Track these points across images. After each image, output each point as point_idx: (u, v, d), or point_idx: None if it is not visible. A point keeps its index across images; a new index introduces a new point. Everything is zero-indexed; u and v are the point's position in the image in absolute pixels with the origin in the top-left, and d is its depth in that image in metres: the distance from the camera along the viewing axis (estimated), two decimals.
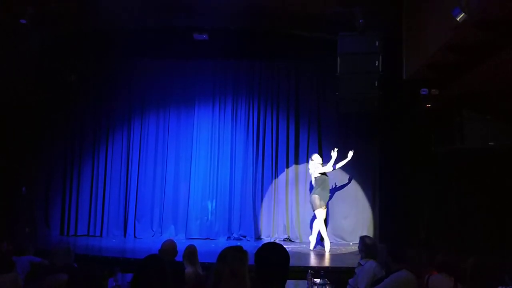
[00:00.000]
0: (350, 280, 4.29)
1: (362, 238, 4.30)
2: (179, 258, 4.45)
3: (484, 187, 7.54)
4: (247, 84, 9.07)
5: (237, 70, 9.12)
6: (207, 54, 8.65)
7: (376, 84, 6.48)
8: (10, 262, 4.35)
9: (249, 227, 8.61)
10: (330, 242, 7.69)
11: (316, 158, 7.80)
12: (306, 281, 4.19)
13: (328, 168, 7.75)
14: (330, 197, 8.38)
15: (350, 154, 7.98)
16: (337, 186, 8.66)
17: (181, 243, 4.93)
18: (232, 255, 2.53)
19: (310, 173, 7.89)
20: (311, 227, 8.01)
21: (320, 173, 7.66)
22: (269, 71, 9.09)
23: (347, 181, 8.63)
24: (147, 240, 8.44)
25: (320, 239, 7.74)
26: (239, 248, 2.67)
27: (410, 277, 3.67)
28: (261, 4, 6.95)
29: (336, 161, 7.92)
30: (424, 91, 6.75)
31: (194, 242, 5.50)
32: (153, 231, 8.74)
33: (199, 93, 9.07)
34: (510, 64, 5.55)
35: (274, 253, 2.47)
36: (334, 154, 7.89)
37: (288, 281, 2.62)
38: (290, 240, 8.50)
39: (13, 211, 8.29)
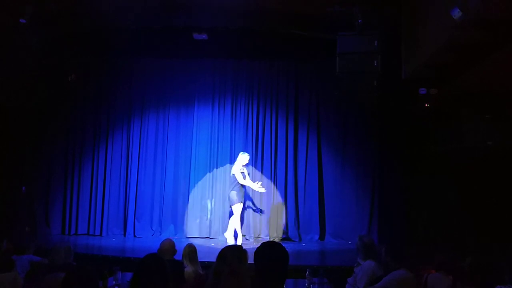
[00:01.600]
0: (349, 279, 4.30)
1: (361, 238, 4.31)
2: (178, 257, 4.46)
3: (482, 186, 7.56)
4: (247, 83, 9.07)
5: (236, 70, 9.13)
6: (207, 53, 8.66)
7: (375, 84, 6.50)
8: (10, 261, 4.36)
9: (248, 226, 8.62)
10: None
11: (244, 157, 7.81)
12: (305, 280, 4.21)
13: (240, 178, 7.65)
14: (332, 196, 8.51)
15: (262, 189, 7.94)
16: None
17: (181, 242, 4.95)
18: (232, 254, 2.54)
19: (233, 167, 7.87)
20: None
21: (241, 172, 7.72)
22: (269, 70, 9.08)
23: None
24: (146, 239, 8.44)
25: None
26: (239, 247, 2.69)
27: (409, 275, 3.69)
28: (261, 4, 6.96)
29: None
30: (422, 90, 6.79)
31: (194, 241, 5.53)
32: (152, 230, 8.75)
33: (199, 92, 9.07)
34: (508, 63, 5.57)
35: (274, 252, 2.48)
36: (255, 185, 7.89)
37: (287, 280, 2.64)
38: (289, 239, 8.51)
39: (13, 210, 8.30)
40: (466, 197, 7.71)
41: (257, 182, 7.99)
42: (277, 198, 8.75)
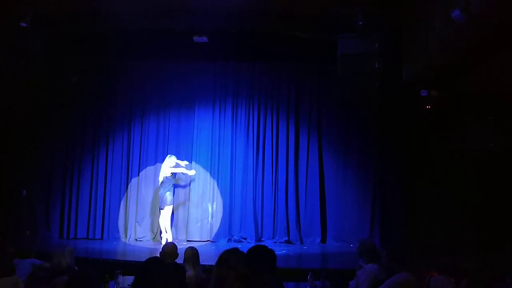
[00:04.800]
0: (351, 282, 4.28)
1: (362, 242, 4.29)
2: (179, 260, 4.44)
3: (485, 188, 7.53)
4: (247, 85, 9.06)
5: (237, 72, 9.12)
6: (207, 55, 8.65)
7: (376, 86, 6.49)
8: (11, 265, 4.33)
9: (250, 229, 8.59)
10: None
11: (173, 159, 8.29)
12: (306, 283, 4.19)
13: (178, 170, 8.34)
14: (333, 199, 8.61)
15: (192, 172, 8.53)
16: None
17: (182, 246, 4.93)
18: (235, 258, 2.54)
19: (162, 170, 8.27)
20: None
21: (171, 173, 8.21)
22: (269, 72, 9.08)
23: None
24: (148, 242, 8.42)
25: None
26: (239, 250, 2.69)
27: (411, 278, 3.67)
28: (261, 6, 6.95)
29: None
30: (424, 92, 6.77)
31: (195, 245, 5.50)
32: (153, 233, 8.73)
33: (199, 95, 9.06)
34: (510, 64, 5.56)
35: (262, 251, 2.94)
36: (183, 163, 8.48)
37: (289, 283, 2.70)
38: (291, 242, 8.48)
39: (14, 214, 8.28)
40: (468, 199, 7.68)
41: (186, 162, 8.57)
42: (279, 200, 8.72)
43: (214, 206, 8.78)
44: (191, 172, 8.56)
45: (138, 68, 9.04)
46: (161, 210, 8.14)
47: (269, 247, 3.04)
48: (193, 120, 9.03)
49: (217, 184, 8.82)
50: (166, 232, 8.05)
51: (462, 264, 3.76)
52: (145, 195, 8.83)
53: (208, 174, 8.85)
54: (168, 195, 8.08)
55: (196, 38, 7.62)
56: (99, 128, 9.04)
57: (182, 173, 8.53)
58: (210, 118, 9.00)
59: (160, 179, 8.21)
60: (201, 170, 8.85)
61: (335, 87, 6.88)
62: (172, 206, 8.15)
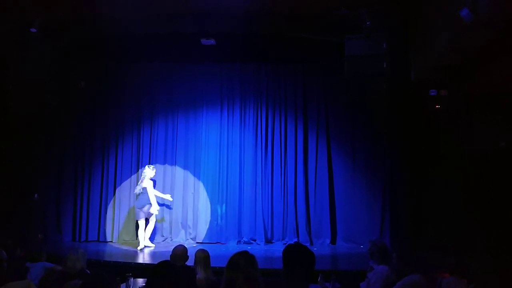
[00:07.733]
0: (361, 284, 4.27)
1: (374, 243, 4.29)
2: (190, 262, 4.45)
3: (495, 189, 7.46)
4: (255, 87, 9.08)
5: (244, 73, 9.13)
6: (215, 58, 8.68)
7: (384, 86, 6.46)
8: (24, 269, 4.37)
9: (259, 230, 8.59)
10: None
11: (151, 171, 8.24)
12: (317, 285, 4.18)
13: (151, 192, 8.05)
14: (343, 200, 8.62)
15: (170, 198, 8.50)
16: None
17: (192, 248, 4.94)
18: (244, 260, 2.56)
19: (144, 181, 8.10)
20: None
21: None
22: (276, 74, 9.08)
23: None
24: (157, 245, 8.44)
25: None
26: (249, 253, 2.70)
27: (422, 280, 3.67)
28: (267, 8, 6.96)
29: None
30: (433, 92, 6.74)
31: (204, 246, 5.51)
32: (163, 236, 8.76)
33: (207, 97, 9.09)
34: None
35: (302, 253, 2.73)
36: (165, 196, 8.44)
37: None
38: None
39: (26, 217, 8.35)
40: (478, 199, 7.61)
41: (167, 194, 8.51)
42: (288, 201, 8.71)
43: (223, 207, 8.79)
44: (167, 197, 8.46)
45: (146, 71, 9.10)
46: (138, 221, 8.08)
47: (309, 248, 2.80)
48: (201, 122, 9.06)
49: (226, 186, 8.84)
50: (144, 240, 8.01)
51: (473, 265, 3.74)
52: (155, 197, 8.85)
53: (217, 175, 8.87)
54: (146, 208, 7.96)
55: (203, 41, 7.66)
56: (108, 131, 9.10)
57: (157, 196, 8.28)
58: (218, 120, 9.02)
59: (138, 190, 8.13)
60: (210, 172, 8.87)
61: (342, 88, 6.85)
62: (146, 218, 8.09)
